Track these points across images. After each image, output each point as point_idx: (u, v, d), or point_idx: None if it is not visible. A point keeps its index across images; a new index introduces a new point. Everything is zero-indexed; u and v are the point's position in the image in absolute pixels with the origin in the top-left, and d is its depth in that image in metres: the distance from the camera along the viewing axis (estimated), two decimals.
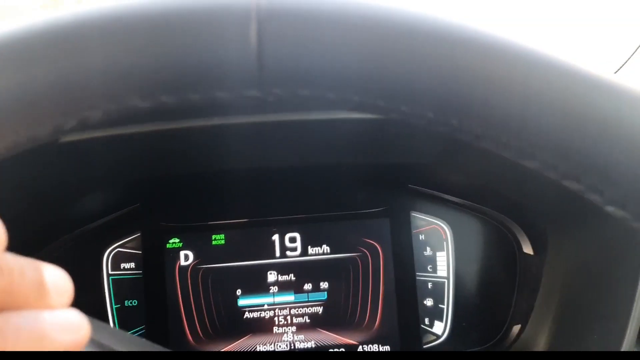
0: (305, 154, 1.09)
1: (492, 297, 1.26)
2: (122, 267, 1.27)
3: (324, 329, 1.27)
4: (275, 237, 1.27)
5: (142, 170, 1.13)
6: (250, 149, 1.05)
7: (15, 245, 1.17)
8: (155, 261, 1.26)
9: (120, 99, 0.40)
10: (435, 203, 1.28)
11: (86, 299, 1.28)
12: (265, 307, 1.26)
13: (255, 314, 1.26)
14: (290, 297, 1.27)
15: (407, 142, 1.02)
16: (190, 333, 1.25)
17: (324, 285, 1.27)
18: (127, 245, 1.27)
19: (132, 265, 1.27)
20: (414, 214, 1.28)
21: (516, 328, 1.23)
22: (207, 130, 0.91)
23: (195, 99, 0.41)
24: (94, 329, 0.43)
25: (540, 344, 1.12)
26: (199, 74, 0.41)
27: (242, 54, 0.40)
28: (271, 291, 1.26)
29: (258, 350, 1.24)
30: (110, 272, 1.26)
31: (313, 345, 1.26)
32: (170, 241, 1.27)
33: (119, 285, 1.26)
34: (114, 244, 1.27)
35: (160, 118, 0.89)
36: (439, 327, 1.26)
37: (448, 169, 1.13)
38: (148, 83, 0.41)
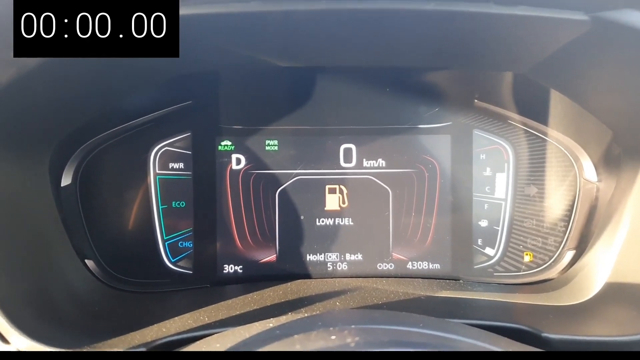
0: (381, 50, 1.02)
1: (547, 221, 1.24)
2: (170, 167, 1.22)
3: None
4: (331, 147, 1.23)
5: (199, 62, 1.06)
6: (321, 40, 0.97)
7: (66, 135, 1.09)
8: (206, 163, 1.21)
9: None
10: (499, 122, 1.23)
11: (131, 198, 1.24)
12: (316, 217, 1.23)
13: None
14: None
15: (507, 46, 0.94)
16: (238, 237, 1.22)
17: (376, 199, 1.24)
18: (176, 144, 1.21)
19: (182, 165, 1.22)
20: (477, 132, 1.23)
21: (570, 254, 1.21)
22: (269, 15, 0.83)
23: None
24: None
25: (596, 274, 1.09)
26: None
27: None
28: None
29: (303, 258, 1.22)
30: (157, 171, 1.21)
31: (361, 258, 1.24)
32: (222, 143, 1.21)
33: (166, 185, 1.22)
34: (163, 141, 1.21)
35: None
36: (491, 249, 1.25)
37: (540, 80, 1.06)
38: None
